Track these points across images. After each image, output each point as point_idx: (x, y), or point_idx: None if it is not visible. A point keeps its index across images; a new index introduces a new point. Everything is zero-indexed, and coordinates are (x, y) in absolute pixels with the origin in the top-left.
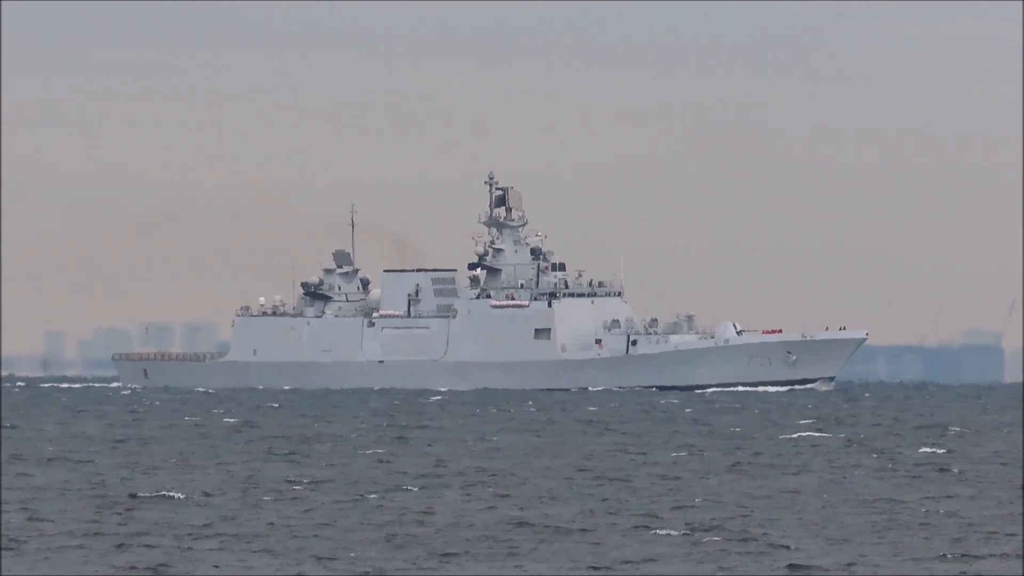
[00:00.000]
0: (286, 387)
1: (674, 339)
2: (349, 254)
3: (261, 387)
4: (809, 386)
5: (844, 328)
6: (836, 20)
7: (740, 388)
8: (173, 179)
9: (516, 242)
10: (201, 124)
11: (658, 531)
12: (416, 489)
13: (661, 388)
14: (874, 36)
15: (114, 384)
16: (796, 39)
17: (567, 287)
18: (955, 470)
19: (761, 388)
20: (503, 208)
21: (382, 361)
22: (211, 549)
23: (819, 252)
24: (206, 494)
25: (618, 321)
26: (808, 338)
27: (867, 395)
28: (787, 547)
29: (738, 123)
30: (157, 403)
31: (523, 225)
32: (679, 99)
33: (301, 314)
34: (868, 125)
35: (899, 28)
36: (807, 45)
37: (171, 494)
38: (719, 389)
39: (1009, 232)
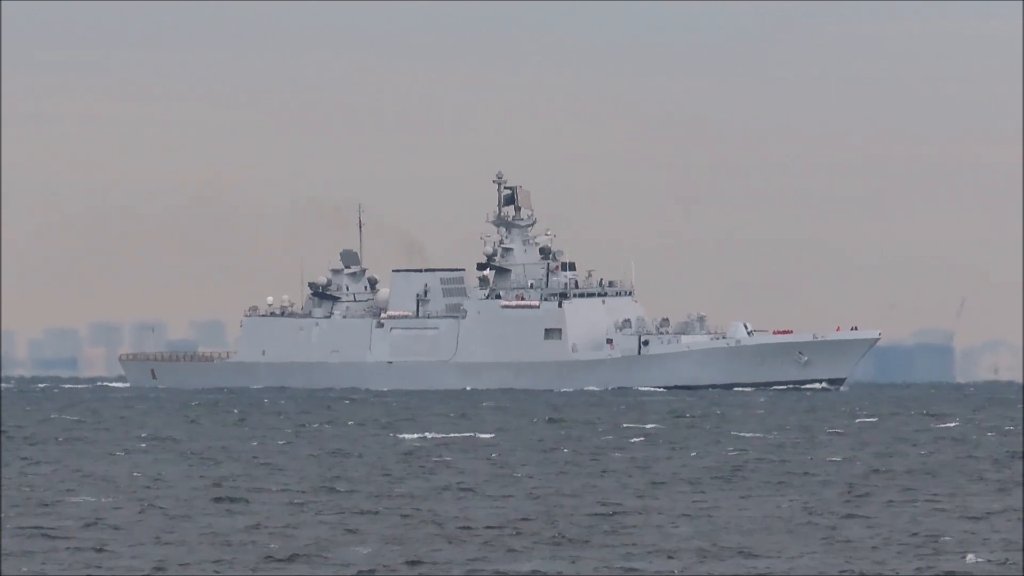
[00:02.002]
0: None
1: (685, 339)
2: (357, 254)
3: (279, 386)
4: (842, 388)
5: (855, 328)
6: (839, 20)
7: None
8: (136, 178)
9: (525, 241)
10: (197, 124)
11: None
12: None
13: (670, 388)
14: (867, 37)
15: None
16: (796, 39)
17: (577, 287)
18: None
19: (772, 388)
20: (512, 207)
21: (391, 362)
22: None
23: (780, 249)
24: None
25: (629, 321)
26: (819, 338)
27: (874, 394)
28: None
29: (741, 124)
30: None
31: (532, 224)
32: (686, 99)
33: (309, 314)
34: (848, 122)
35: (893, 28)
36: (808, 45)
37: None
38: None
39: (960, 231)
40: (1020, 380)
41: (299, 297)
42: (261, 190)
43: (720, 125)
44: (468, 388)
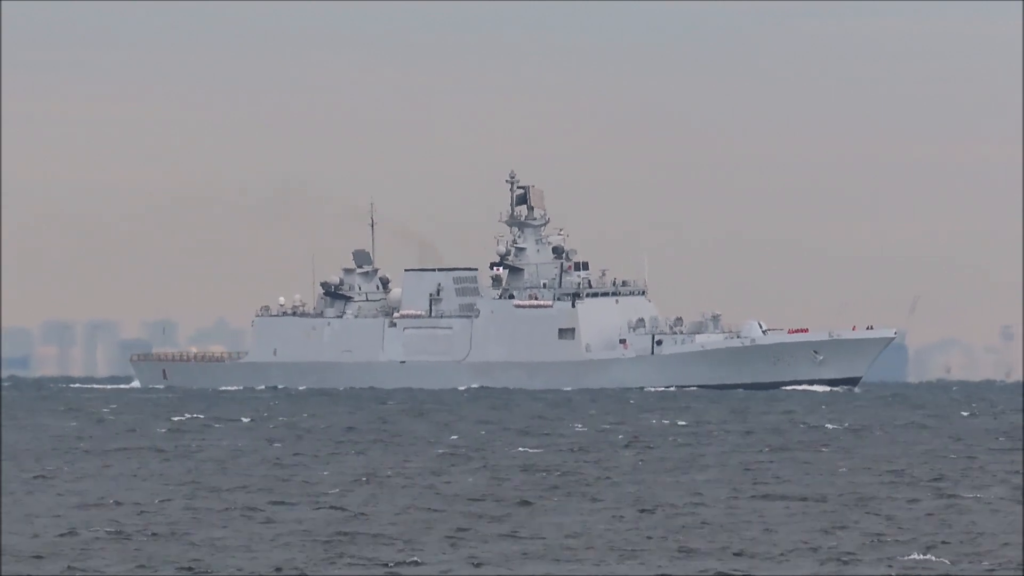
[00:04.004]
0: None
1: (699, 339)
2: (369, 253)
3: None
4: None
5: (871, 327)
6: (839, 20)
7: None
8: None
9: (538, 241)
10: (197, 124)
11: None
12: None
13: (684, 387)
14: (867, 37)
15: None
16: (796, 39)
17: (590, 286)
18: None
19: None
20: (524, 206)
21: (404, 361)
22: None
23: (780, 249)
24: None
25: (643, 320)
26: (835, 337)
27: (892, 395)
28: None
29: (741, 124)
30: None
31: (545, 224)
32: (697, 99)
33: (321, 314)
34: (848, 122)
35: (893, 28)
36: (808, 45)
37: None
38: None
39: (915, 228)
40: (971, 380)
41: (311, 297)
42: (261, 190)
43: (719, 125)
44: (482, 386)
